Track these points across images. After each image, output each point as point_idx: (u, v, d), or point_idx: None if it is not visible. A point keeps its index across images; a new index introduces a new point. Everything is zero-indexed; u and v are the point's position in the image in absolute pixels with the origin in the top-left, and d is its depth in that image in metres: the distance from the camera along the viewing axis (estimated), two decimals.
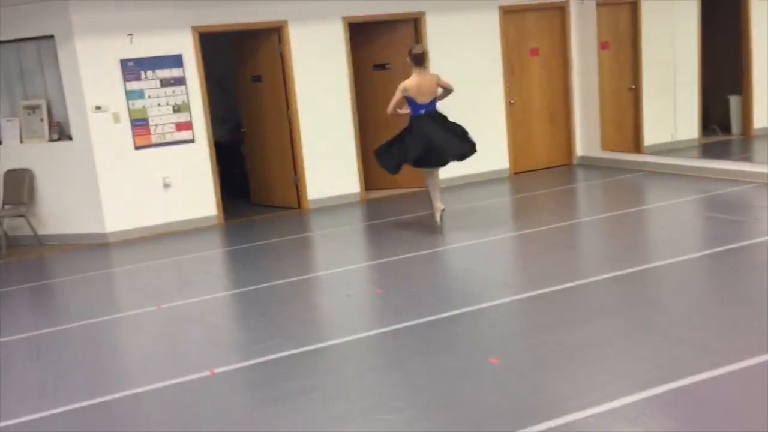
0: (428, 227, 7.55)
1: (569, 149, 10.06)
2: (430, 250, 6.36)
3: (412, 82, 6.63)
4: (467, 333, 4.35)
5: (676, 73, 9.35)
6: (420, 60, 6.68)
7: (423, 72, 6.68)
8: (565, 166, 9.97)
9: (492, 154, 9.53)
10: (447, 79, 6.88)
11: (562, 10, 9.70)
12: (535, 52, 9.71)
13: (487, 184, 9.21)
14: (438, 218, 6.93)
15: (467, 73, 9.22)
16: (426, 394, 3.55)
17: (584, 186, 8.94)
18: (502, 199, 8.60)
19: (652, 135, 9.77)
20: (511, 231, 7.03)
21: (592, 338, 4.05)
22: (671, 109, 9.62)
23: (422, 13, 8.92)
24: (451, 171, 9.26)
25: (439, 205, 6.93)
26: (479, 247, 6.29)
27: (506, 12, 9.36)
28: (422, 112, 6.68)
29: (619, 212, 7.22)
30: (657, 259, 5.45)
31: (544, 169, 9.85)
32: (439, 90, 6.83)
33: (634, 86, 9.79)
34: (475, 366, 3.80)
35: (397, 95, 6.66)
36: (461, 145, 6.82)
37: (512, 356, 3.90)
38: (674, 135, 9.81)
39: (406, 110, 6.79)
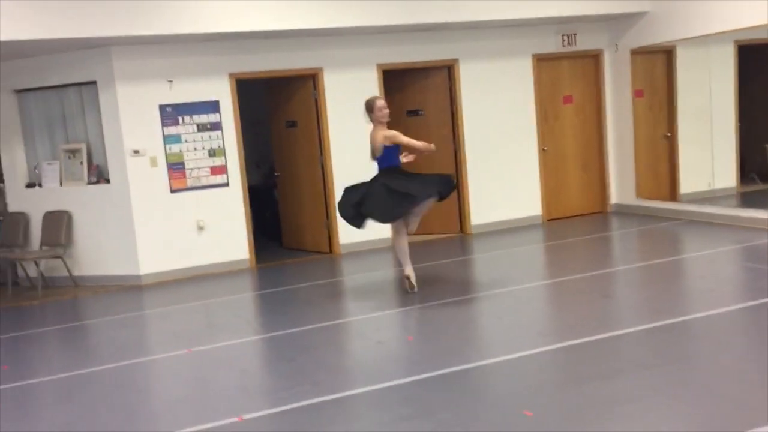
0: (459, 275, 7.49)
1: (603, 197, 9.97)
2: (461, 297, 6.29)
3: (370, 136, 6.32)
4: (500, 383, 4.25)
5: (713, 121, 9.25)
6: (366, 112, 6.34)
7: (375, 126, 6.28)
8: (599, 213, 9.87)
9: (525, 200, 9.50)
10: (403, 138, 6.19)
11: (596, 58, 9.72)
12: (568, 99, 9.71)
13: (520, 231, 9.14)
14: (408, 285, 6.33)
15: (500, 120, 9.27)
16: None
17: (619, 234, 8.81)
18: (535, 246, 8.51)
19: (688, 183, 9.63)
20: (544, 279, 6.93)
21: (627, 392, 3.93)
22: (708, 157, 9.48)
23: (455, 61, 9.00)
24: (483, 217, 9.26)
25: (409, 271, 6.35)
26: (512, 295, 6.20)
27: (540, 60, 9.41)
28: (381, 167, 6.28)
29: (656, 261, 7.08)
30: (695, 310, 5.31)
31: (578, 216, 9.76)
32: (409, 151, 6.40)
33: (669, 134, 9.70)
34: (509, 418, 3.70)
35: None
36: (419, 189, 6.06)
37: (546, 409, 3.79)
38: (712, 183, 9.65)
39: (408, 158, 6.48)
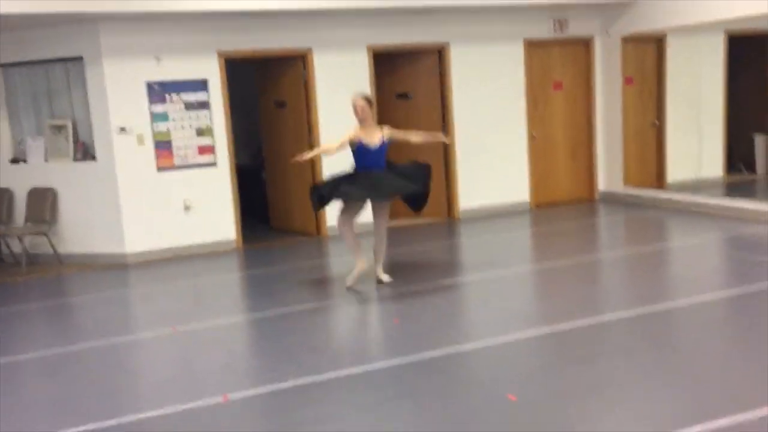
0: (445, 259, 7.50)
1: (591, 184, 9.99)
2: (447, 281, 6.30)
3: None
4: (484, 368, 4.27)
5: (701, 110, 9.29)
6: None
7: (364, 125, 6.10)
8: (586, 200, 9.90)
9: (513, 186, 9.51)
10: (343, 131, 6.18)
11: (587, 45, 9.71)
12: (558, 85, 9.70)
13: (507, 217, 9.15)
14: (353, 279, 6.05)
15: (490, 105, 9.25)
16: (439, 427, 3.48)
17: (606, 221, 8.85)
18: (522, 231, 8.53)
19: (675, 172, 9.69)
20: (531, 264, 6.96)
21: (612, 377, 3.96)
22: (696, 145, 9.54)
23: (447, 44, 8.96)
24: (471, 202, 9.27)
25: (361, 263, 6.04)
26: (498, 280, 6.22)
27: (531, 45, 9.38)
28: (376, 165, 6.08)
29: (642, 249, 7.12)
30: (680, 298, 5.35)
31: (565, 203, 9.78)
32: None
33: (657, 122, 9.73)
34: (492, 402, 3.72)
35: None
36: (403, 184, 6.00)
37: (530, 393, 3.81)
38: (698, 172, 9.71)
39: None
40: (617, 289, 5.94)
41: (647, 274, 6.23)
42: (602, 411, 3.57)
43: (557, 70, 9.67)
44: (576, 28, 9.53)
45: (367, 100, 6.08)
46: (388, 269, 6.52)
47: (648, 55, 9.65)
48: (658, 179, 9.81)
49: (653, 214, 8.69)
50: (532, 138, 9.55)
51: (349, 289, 6.01)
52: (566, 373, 4.04)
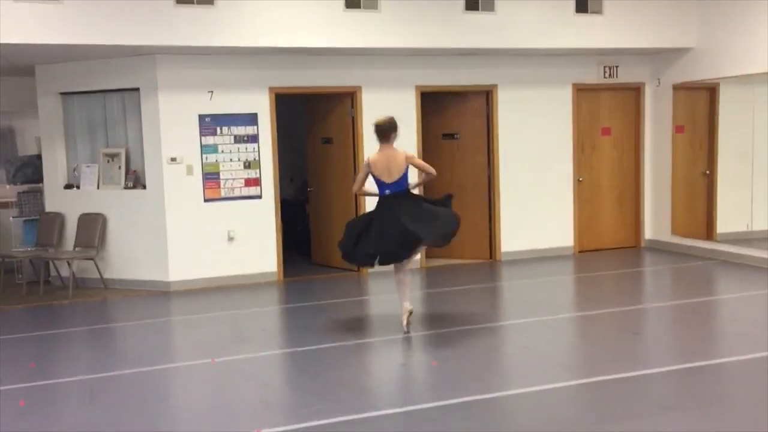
0: (486, 301, 7.43)
1: (637, 231, 9.83)
2: (488, 324, 6.22)
3: (375, 158, 5.86)
4: (522, 415, 4.18)
5: (754, 161, 9.08)
6: (384, 134, 5.88)
7: (388, 147, 5.87)
8: (632, 248, 9.73)
9: (557, 230, 9.42)
10: (419, 160, 6.24)
11: (637, 91, 9.64)
12: (607, 131, 9.63)
13: (551, 261, 9.04)
14: (405, 321, 5.86)
15: (537, 148, 9.22)
16: None
17: (652, 270, 8.67)
18: (565, 277, 8.41)
19: (726, 223, 9.45)
20: (573, 311, 6.83)
21: None
22: (748, 197, 9.30)
23: (494, 86, 8.99)
24: (514, 244, 9.18)
25: (407, 305, 5.90)
26: (539, 325, 6.12)
27: (580, 90, 9.35)
28: (387, 192, 5.84)
29: (688, 301, 6.94)
30: (727, 354, 5.19)
31: (610, 249, 9.63)
32: (421, 173, 6.17)
33: (708, 171, 9.55)
34: None
35: (361, 172, 6.01)
36: (429, 230, 5.75)
37: None
38: (750, 225, 9.46)
39: (372, 190, 6.04)
40: (662, 342, 5.78)
41: (693, 327, 6.06)
42: None
43: (606, 116, 9.61)
44: (626, 75, 9.48)
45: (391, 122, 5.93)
46: (428, 309, 6.46)
47: (699, 104, 9.52)
48: (708, 230, 9.58)
49: (701, 265, 8.49)
50: (578, 182, 9.46)
51: (407, 332, 5.84)
52: (607, 426, 3.93)
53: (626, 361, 5.02)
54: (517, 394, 4.45)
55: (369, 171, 5.88)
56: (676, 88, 9.25)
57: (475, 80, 8.92)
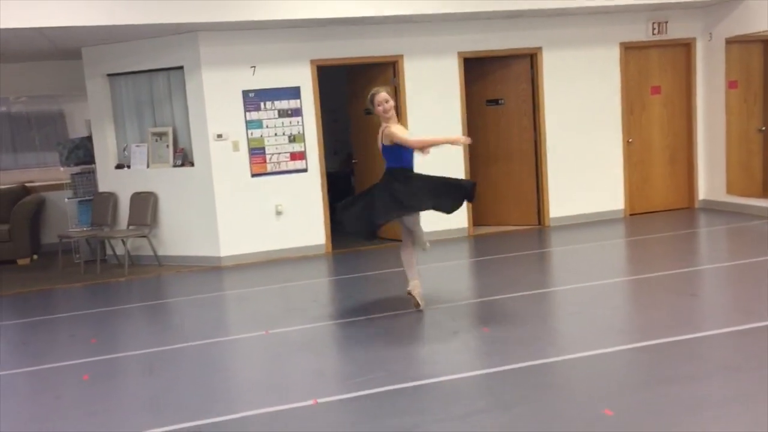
0: (536, 267, 7.36)
1: (691, 192, 9.59)
2: (538, 291, 6.17)
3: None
4: (578, 380, 4.15)
5: None
6: (369, 108, 5.55)
7: (385, 120, 5.47)
8: (685, 209, 9.50)
9: (607, 193, 9.25)
10: (394, 130, 5.36)
11: (687, 47, 9.33)
12: (656, 90, 9.36)
13: (601, 225, 8.89)
14: (418, 300, 5.62)
15: (584, 111, 9.04)
16: None
17: (707, 231, 8.46)
18: (616, 240, 8.27)
19: None
20: (626, 275, 6.72)
21: (714, 395, 3.77)
22: None
23: (539, 49, 8.80)
24: (562, 209, 9.06)
25: (417, 283, 5.68)
26: (591, 290, 6.04)
27: (627, 48, 9.10)
28: (386, 168, 5.53)
29: (746, 261, 6.75)
30: None
31: (663, 211, 9.42)
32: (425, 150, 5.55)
33: (763, 128, 9.23)
34: (587, 416, 3.60)
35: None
36: (436, 200, 5.41)
37: (627, 409, 3.66)
38: None
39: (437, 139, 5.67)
40: (719, 303, 5.65)
41: (752, 287, 5.90)
42: (703, 431, 3.39)
43: (655, 74, 9.34)
44: (676, 31, 9.17)
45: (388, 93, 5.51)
46: (478, 276, 6.44)
47: (754, 57, 9.18)
48: (765, 188, 9.31)
49: (758, 224, 8.24)
50: (627, 144, 9.25)
51: (418, 308, 5.65)
52: (665, 389, 3.87)
53: (683, 324, 4.93)
54: (571, 359, 4.41)
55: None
56: (729, 41, 8.92)
57: (518, 43, 8.75)
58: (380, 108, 5.42)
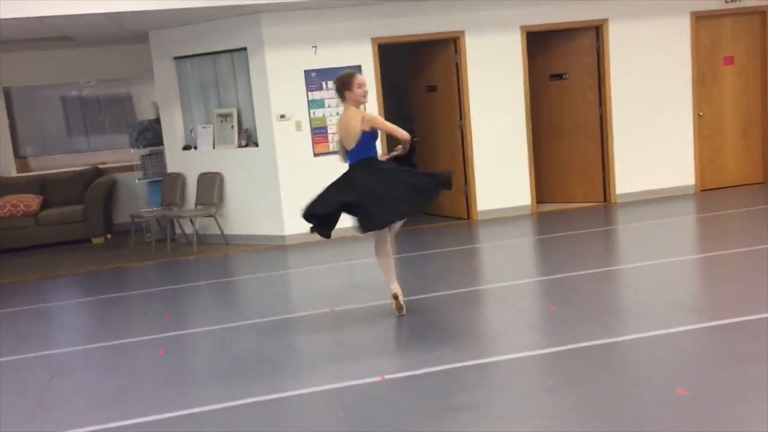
0: (603, 245, 7.22)
1: (765, 166, 9.23)
2: (606, 268, 6.06)
3: (338, 120, 5.18)
4: (649, 359, 4.06)
5: None
6: (338, 93, 5.09)
7: (347, 108, 5.05)
8: (759, 184, 9.16)
9: (676, 169, 8.99)
10: (383, 121, 5.10)
11: (762, 15, 8.93)
12: (729, 60, 9.01)
13: (671, 201, 8.66)
14: (396, 306, 5.13)
15: (653, 84, 8.78)
16: (604, 420, 3.35)
17: None
18: (687, 217, 8.04)
19: None
20: (699, 252, 6.54)
21: None
22: None
23: (605, 20, 8.57)
24: (629, 186, 8.84)
25: (395, 286, 5.16)
26: (663, 267, 5.90)
27: (698, 18, 8.76)
28: (350, 161, 5.13)
29: None
30: None
31: (735, 186, 9.10)
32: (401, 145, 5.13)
33: None
34: (660, 395, 3.53)
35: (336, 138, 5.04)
36: (408, 198, 4.97)
37: (704, 389, 3.58)
38: None
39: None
40: None
41: None
42: None
43: (728, 44, 8.98)
44: None
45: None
46: (543, 254, 6.36)
47: None
48: None
49: None
50: (698, 117, 8.95)
51: (400, 313, 5.17)
52: (740, 369, 3.76)
53: (759, 302, 4.77)
54: (641, 338, 4.33)
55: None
56: None
57: (583, 16, 8.53)
58: (361, 90, 5.00)
